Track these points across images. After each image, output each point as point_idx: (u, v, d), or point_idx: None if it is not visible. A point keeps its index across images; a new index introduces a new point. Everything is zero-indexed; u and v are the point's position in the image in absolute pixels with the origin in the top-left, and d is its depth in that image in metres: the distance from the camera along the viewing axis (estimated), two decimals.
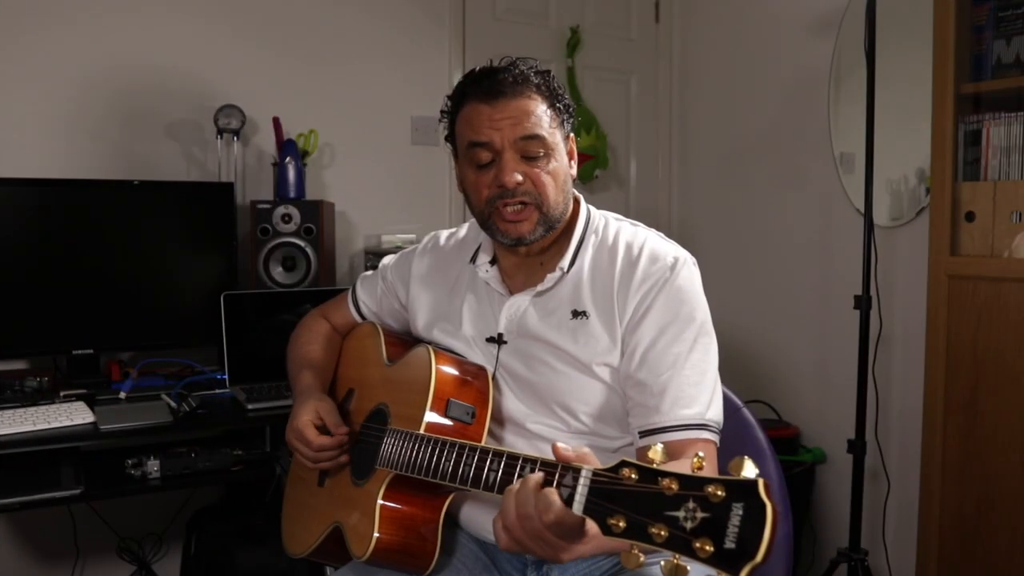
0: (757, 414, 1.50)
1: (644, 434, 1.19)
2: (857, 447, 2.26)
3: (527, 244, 1.27)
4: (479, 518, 1.29)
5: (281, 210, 2.30)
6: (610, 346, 1.23)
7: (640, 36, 3.28)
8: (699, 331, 1.22)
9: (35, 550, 2.33)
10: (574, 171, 1.32)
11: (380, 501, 1.19)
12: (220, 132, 2.38)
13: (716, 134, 3.16)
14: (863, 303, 2.27)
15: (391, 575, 1.25)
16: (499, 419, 1.29)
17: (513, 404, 1.28)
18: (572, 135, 1.32)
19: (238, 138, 2.46)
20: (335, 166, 2.68)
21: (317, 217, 2.32)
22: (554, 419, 1.26)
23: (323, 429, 1.33)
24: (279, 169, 2.38)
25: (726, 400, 1.44)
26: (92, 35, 2.32)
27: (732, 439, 1.27)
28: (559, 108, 1.28)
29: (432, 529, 1.21)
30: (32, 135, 2.27)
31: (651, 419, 1.18)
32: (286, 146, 2.39)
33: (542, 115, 1.24)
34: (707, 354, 1.22)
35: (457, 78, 2.92)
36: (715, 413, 1.20)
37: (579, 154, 3.13)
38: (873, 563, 2.29)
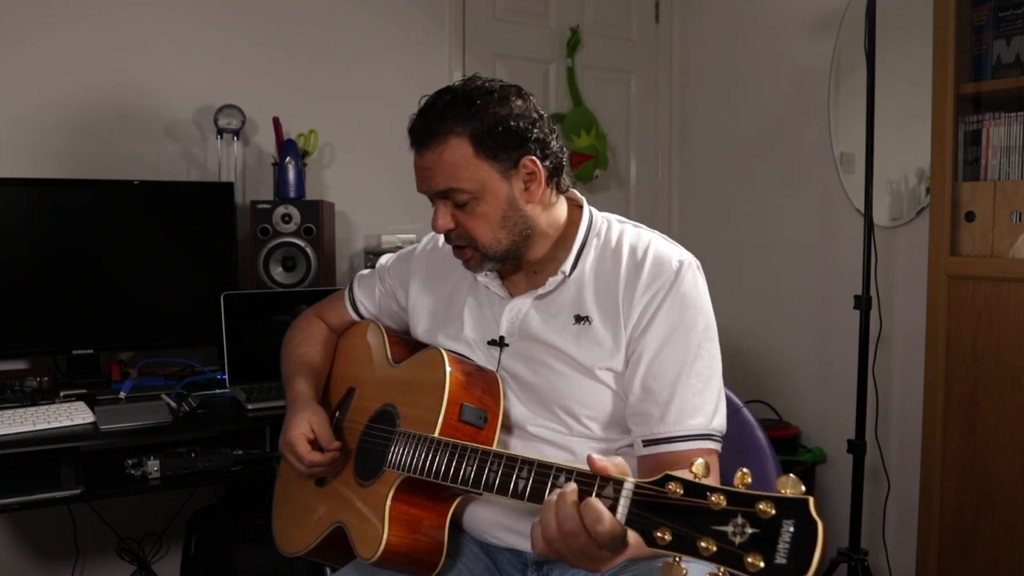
0: (757, 414, 1.50)
1: (648, 443, 1.18)
2: (857, 447, 2.26)
3: (488, 271, 1.29)
4: (481, 521, 1.29)
5: (281, 210, 2.30)
6: (613, 350, 1.22)
7: (640, 36, 3.28)
8: (703, 337, 1.21)
9: (35, 550, 2.32)
10: (535, 194, 1.24)
11: (390, 503, 1.20)
12: (220, 132, 2.38)
13: (716, 134, 3.16)
14: (863, 303, 2.27)
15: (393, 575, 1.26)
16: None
17: (514, 407, 1.28)
18: (529, 157, 1.22)
19: (238, 138, 2.46)
20: (335, 166, 2.68)
21: (317, 217, 2.32)
22: (556, 422, 1.26)
23: (315, 443, 1.34)
24: (279, 169, 2.38)
25: (727, 400, 1.44)
26: (92, 35, 2.32)
27: (732, 439, 1.27)
28: (488, 144, 1.19)
29: (439, 531, 1.22)
30: (33, 135, 2.27)
31: (656, 429, 1.18)
32: (286, 146, 2.39)
33: (459, 163, 1.19)
34: (712, 361, 1.21)
35: (457, 78, 2.93)
36: (719, 422, 1.20)
37: (579, 154, 3.15)
38: (873, 563, 2.29)
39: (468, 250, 1.26)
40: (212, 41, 2.47)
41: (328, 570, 1.49)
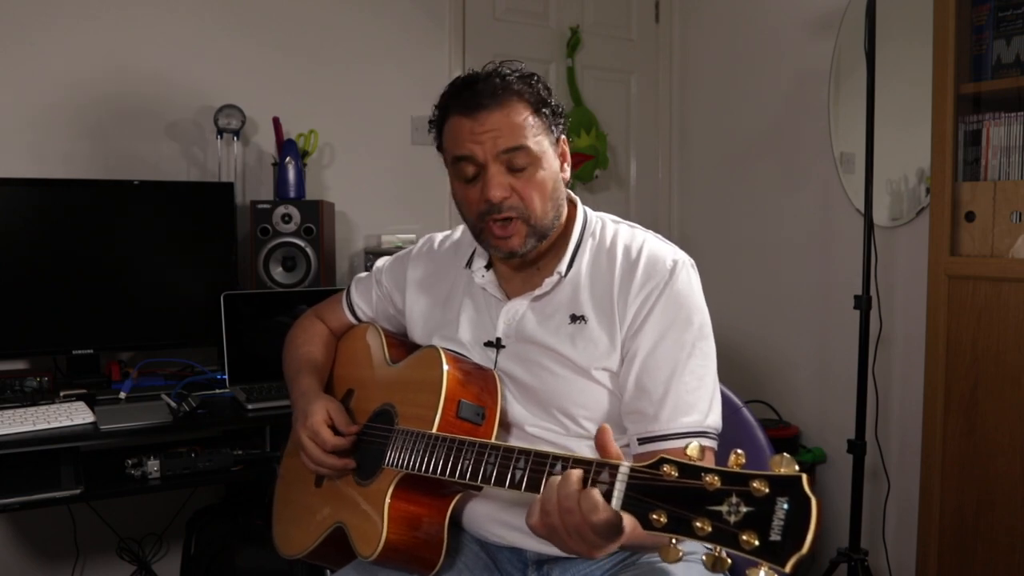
0: (757, 414, 1.50)
1: (643, 441, 1.18)
2: (857, 447, 2.26)
3: (521, 256, 1.26)
4: (480, 517, 1.29)
5: (281, 210, 2.30)
6: (609, 350, 1.22)
7: (640, 36, 3.28)
8: (697, 335, 1.21)
9: (35, 550, 2.33)
10: (567, 174, 1.29)
11: (389, 500, 1.20)
12: (220, 132, 2.38)
13: (716, 134, 3.16)
14: (863, 303, 2.27)
15: (393, 575, 1.25)
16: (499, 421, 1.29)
17: (512, 408, 1.28)
18: (564, 137, 1.29)
19: (238, 138, 2.46)
20: (335, 166, 2.68)
21: (317, 217, 2.33)
22: (553, 423, 1.26)
23: (333, 428, 1.33)
24: (279, 169, 2.38)
25: (726, 400, 1.44)
26: (92, 35, 2.32)
27: (732, 439, 1.27)
28: (545, 114, 1.25)
29: (438, 529, 1.22)
30: (33, 135, 2.27)
31: (650, 427, 1.18)
32: (286, 146, 2.39)
33: (525, 124, 1.21)
34: (706, 359, 1.22)
35: None
36: (714, 419, 1.20)
37: (579, 154, 3.16)
38: (873, 563, 2.29)
39: (517, 222, 1.23)
40: (212, 41, 2.47)
41: (328, 572, 1.49)
